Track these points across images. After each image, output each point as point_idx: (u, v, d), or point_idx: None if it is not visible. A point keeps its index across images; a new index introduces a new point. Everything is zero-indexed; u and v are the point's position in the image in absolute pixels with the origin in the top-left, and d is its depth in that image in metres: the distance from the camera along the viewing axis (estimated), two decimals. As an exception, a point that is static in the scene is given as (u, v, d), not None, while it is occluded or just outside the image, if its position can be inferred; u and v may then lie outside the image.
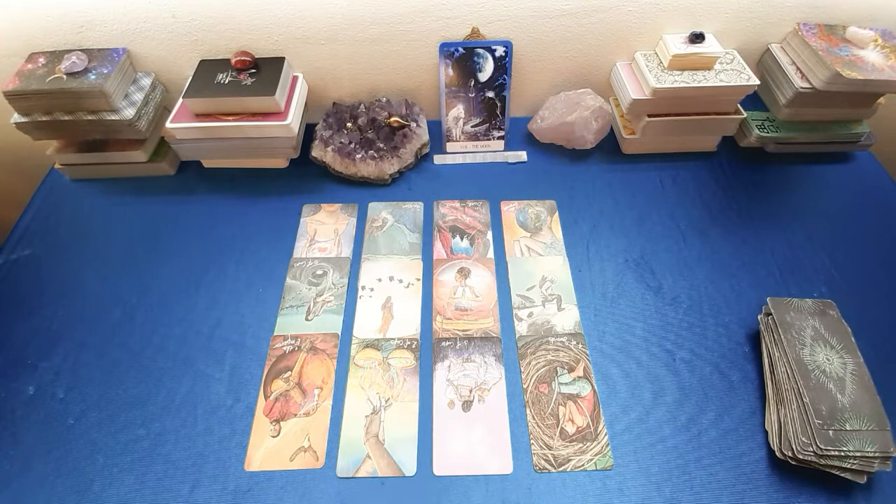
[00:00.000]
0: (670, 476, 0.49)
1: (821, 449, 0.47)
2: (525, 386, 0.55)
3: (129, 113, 0.70)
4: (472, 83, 0.76)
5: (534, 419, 0.53)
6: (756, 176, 0.76)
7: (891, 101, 0.75)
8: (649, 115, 0.73)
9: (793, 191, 0.75)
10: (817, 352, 0.53)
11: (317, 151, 0.75)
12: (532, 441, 0.52)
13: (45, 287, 0.65)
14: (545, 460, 0.50)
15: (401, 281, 0.64)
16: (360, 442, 0.52)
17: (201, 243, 0.69)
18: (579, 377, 0.56)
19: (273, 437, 0.52)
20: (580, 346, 0.58)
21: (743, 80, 0.70)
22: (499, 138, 0.79)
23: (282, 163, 0.78)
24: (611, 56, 0.78)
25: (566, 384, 0.55)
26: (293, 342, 0.59)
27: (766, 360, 0.55)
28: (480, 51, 0.74)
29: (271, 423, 0.53)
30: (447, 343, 0.59)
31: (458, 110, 0.77)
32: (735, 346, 0.58)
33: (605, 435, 0.52)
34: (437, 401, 0.54)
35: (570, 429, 0.52)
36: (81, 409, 0.54)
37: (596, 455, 0.51)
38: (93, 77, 0.68)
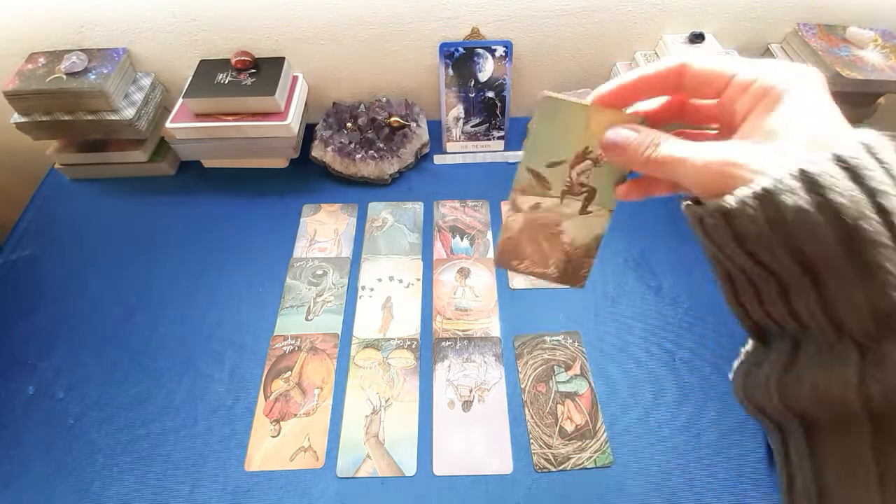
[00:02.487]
0: (670, 476, 0.49)
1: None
2: (523, 385, 0.55)
3: (129, 113, 0.70)
4: (472, 83, 0.76)
5: (532, 419, 0.53)
6: (756, 176, 0.76)
7: (891, 101, 0.75)
8: (649, 115, 0.73)
9: (793, 191, 0.75)
10: (817, 352, 0.53)
11: (317, 151, 0.75)
12: (531, 441, 0.51)
13: (45, 287, 0.65)
14: (545, 459, 0.50)
15: (401, 281, 0.64)
16: (360, 442, 0.52)
17: (201, 243, 0.69)
18: (576, 375, 0.56)
19: (273, 437, 0.52)
20: (576, 343, 0.58)
21: (743, 80, 0.70)
22: (499, 138, 0.79)
23: (282, 163, 0.78)
24: (611, 56, 0.78)
25: (563, 382, 0.55)
26: (293, 342, 0.59)
27: (766, 360, 0.54)
28: (480, 51, 0.74)
29: (271, 423, 0.53)
30: (447, 343, 0.59)
31: (458, 110, 0.77)
32: (735, 345, 0.58)
33: (604, 432, 0.52)
34: (437, 401, 0.54)
35: (569, 427, 0.52)
36: (81, 409, 0.54)
37: (595, 452, 0.51)
38: (93, 77, 0.68)
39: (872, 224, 0.21)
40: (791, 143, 0.23)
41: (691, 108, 0.31)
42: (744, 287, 0.26)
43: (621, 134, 0.28)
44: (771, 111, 0.24)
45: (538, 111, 0.30)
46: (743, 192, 0.22)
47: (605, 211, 0.33)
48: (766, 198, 0.22)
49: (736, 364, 0.31)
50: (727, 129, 0.27)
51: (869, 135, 0.22)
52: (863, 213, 0.21)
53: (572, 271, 0.35)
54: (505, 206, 0.31)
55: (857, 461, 0.24)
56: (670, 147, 0.26)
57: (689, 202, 0.26)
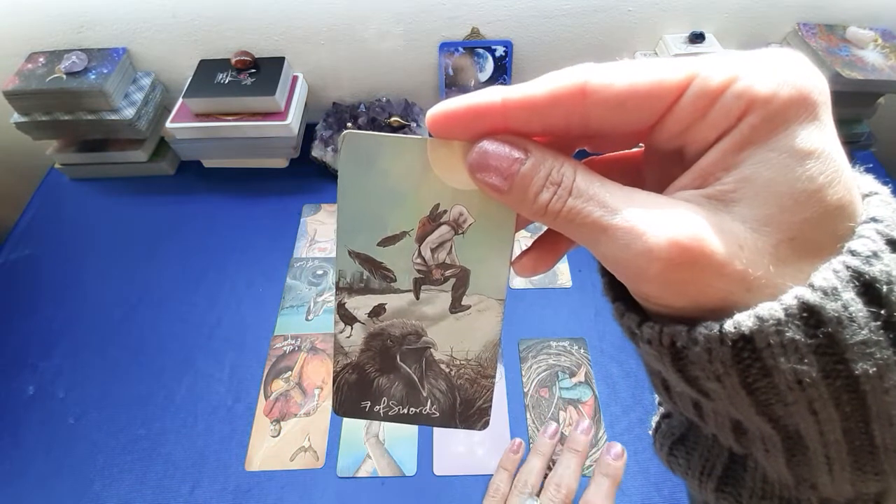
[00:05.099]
0: (670, 476, 0.49)
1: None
2: (526, 390, 0.55)
3: (129, 113, 0.70)
4: (472, 83, 0.76)
5: (534, 423, 0.53)
6: (756, 176, 0.76)
7: (891, 101, 0.75)
8: (649, 115, 0.73)
9: (793, 191, 0.75)
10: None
11: (317, 151, 0.75)
12: (532, 445, 0.51)
13: (45, 287, 0.65)
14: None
15: (401, 281, 0.64)
16: (361, 442, 0.52)
17: (201, 243, 0.69)
18: (580, 382, 0.56)
19: (273, 437, 0.52)
20: (582, 350, 0.58)
21: (743, 80, 0.70)
22: (499, 138, 0.79)
23: (282, 163, 0.78)
24: (611, 56, 0.78)
25: (567, 389, 0.55)
26: (293, 342, 0.59)
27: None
28: (480, 51, 0.74)
29: (271, 423, 0.53)
30: (447, 343, 0.58)
31: (458, 110, 0.77)
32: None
33: (606, 440, 0.52)
34: (437, 401, 0.54)
35: (571, 429, 0.52)
36: (82, 409, 0.54)
37: (596, 461, 0.50)
38: (93, 77, 0.68)
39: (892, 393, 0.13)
40: (789, 233, 0.14)
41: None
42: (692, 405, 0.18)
43: (498, 151, 0.16)
44: (776, 150, 0.13)
45: (343, 156, 0.18)
46: (768, 312, 0.13)
47: (493, 301, 0.20)
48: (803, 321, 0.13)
49: (654, 423, 0.24)
50: (668, 160, 0.16)
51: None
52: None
53: (463, 406, 0.22)
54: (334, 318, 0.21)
55: None
56: (589, 194, 0.15)
57: (645, 321, 0.16)
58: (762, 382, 0.13)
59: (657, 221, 0.14)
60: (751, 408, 0.14)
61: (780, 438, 0.15)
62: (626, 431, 0.52)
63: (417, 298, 0.20)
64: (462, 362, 0.21)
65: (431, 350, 0.21)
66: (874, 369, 0.13)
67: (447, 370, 0.21)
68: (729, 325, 0.13)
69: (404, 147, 0.18)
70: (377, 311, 0.21)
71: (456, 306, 0.21)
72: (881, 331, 0.13)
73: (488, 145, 0.16)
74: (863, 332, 0.13)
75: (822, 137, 0.14)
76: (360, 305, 0.20)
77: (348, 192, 0.19)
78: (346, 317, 0.21)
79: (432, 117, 0.17)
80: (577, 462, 0.43)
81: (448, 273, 0.20)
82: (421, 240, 0.19)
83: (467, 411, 0.22)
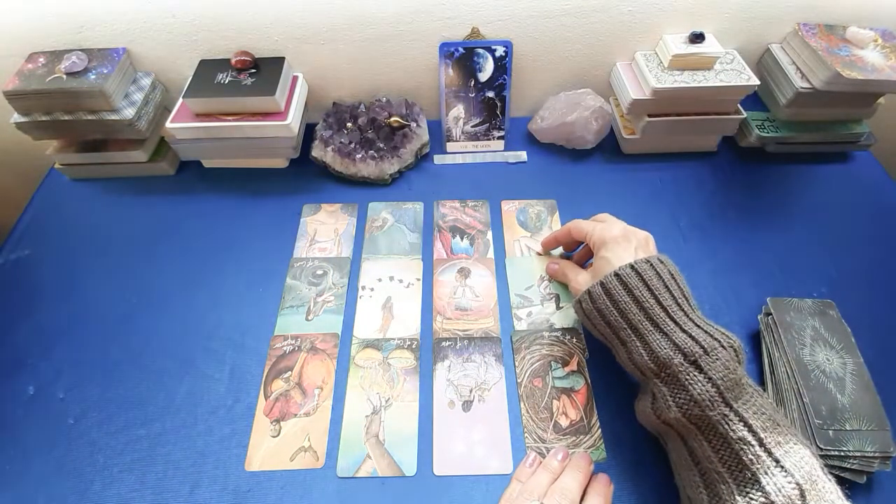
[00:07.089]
0: (669, 473, 0.49)
1: (820, 449, 0.47)
2: (519, 380, 0.55)
3: (129, 113, 0.70)
4: (472, 83, 0.76)
5: (527, 413, 0.53)
6: (756, 176, 0.76)
7: (891, 101, 0.75)
8: (649, 115, 0.73)
9: (793, 191, 0.75)
10: (817, 352, 0.53)
11: (317, 151, 0.75)
12: (526, 434, 0.52)
13: (45, 287, 0.65)
14: (539, 453, 0.50)
15: (401, 281, 0.64)
16: (361, 442, 0.52)
17: (201, 243, 0.69)
18: (573, 371, 0.56)
19: (273, 437, 0.52)
20: (574, 340, 0.58)
21: (743, 80, 0.70)
22: (499, 138, 0.79)
23: (282, 163, 0.78)
24: (611, 56, 0.78)
25: (560, 378, 0.55)
26: (293, 342, 0.59)
27: (766, 361, 0.55)
28: (480, 51, 0.74)
29: (271, 423, 0.53)
30: (447, 343, 0.59)
31: (458, 110, 0.77)
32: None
33: (598, 428, 0.52)
34: (437, 401, 0.54)
35: (564, 422, 0.52)
36: (81, 409, 0.54)
37: (589, 448, 0.51)
38: (93, 77, 0.68)
39: (615, 316, 0.47)
40: (598, 275, 0.50)
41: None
42: (613, 348, 0.51)
43: (551, 266, 0.62)
44: (597, 255, 0.52)
45: (508, 264, 0.64)
46: (575, 300, 0.53)
47: (569, 305, 0.60)
48: (582, 301, 0.51)
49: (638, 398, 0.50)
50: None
51: (624, 268, 0.48)
52: (611, 311, 0.48)
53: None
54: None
55: (686, 466, 0.43)
56: (567, 272, 0.57)
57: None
58: (612, 301, 0.48)
59: (580, 278, 0.55)
60: (618, 318, 0.47)
61: (634, 335, 0.46)
62: (618, 418, 0.52)
63: (543, 306, 0.60)
64: (566, 328, 0.59)
65: (553, 323, 0.59)
66: (635, 284, 0.47)
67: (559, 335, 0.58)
68: (601, 282, 0.49)
69: (531, 259, 0.65)
70: (529, 315, 0.60)
71: (557, 307, 0.61)
72: (621, 283, 0.47)
73: (550, 264, 0.63)
74: (625, 282, 0.47)
75: (612, 252, 0.50)
76: (523, 313, 0.60)
77: (512, 273, 0.63)
78: (516, 317, 0.60)
79: (542, 241, 0.65)
80: (580, 479, 0.46)
81: (551, 296, 0.62)
82: (539, 285, 0.63)
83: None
